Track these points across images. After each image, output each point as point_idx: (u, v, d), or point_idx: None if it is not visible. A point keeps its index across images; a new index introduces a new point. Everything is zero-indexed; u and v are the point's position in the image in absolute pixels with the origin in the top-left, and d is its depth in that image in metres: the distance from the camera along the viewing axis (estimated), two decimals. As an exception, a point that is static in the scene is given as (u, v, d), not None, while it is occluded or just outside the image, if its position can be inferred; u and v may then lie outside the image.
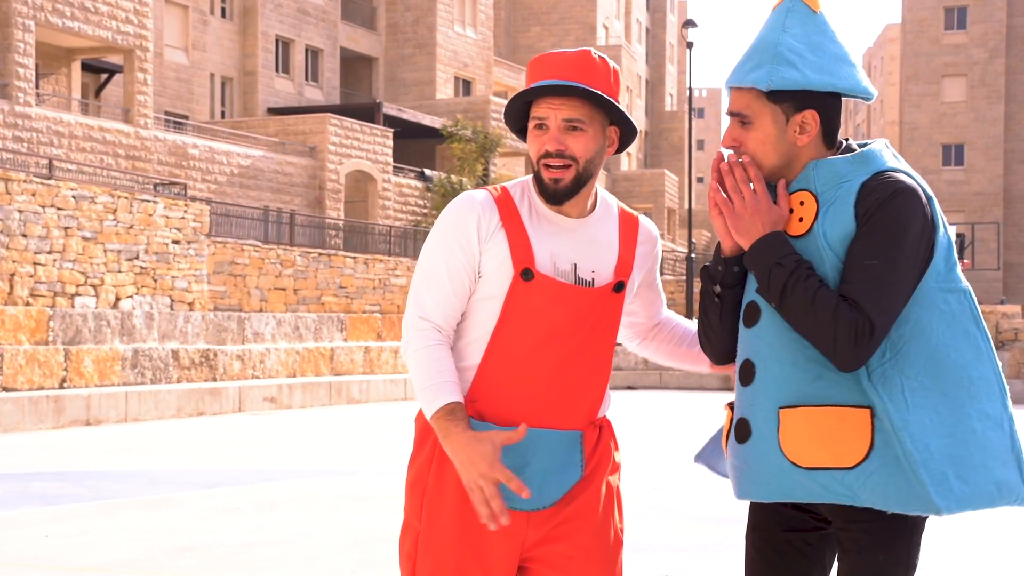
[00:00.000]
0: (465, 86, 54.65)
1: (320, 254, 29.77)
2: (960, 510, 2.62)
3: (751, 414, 2.77)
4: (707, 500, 9.33)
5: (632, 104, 72.42)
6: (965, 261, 48.05)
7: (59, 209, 21.25)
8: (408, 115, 45.08)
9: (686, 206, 67.63)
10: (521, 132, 2.91)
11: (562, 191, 2.80)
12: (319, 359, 21.17)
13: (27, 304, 20.32)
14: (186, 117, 40.75)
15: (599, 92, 2.77)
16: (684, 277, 37.90)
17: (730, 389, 23.79)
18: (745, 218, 2.75)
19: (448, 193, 42.56)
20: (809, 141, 2.75)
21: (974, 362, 2.69)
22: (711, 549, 7.34)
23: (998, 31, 70.62)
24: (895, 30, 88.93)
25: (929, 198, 2.70)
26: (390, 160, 41.42)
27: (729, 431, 2.86)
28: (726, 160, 2.81)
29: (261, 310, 27.38)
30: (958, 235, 44.17)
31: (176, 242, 23.88)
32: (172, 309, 23.29)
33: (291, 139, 39.11)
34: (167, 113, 39.92)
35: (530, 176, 2.90)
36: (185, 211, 24.30)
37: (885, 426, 2.62)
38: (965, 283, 2.74)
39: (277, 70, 46.42)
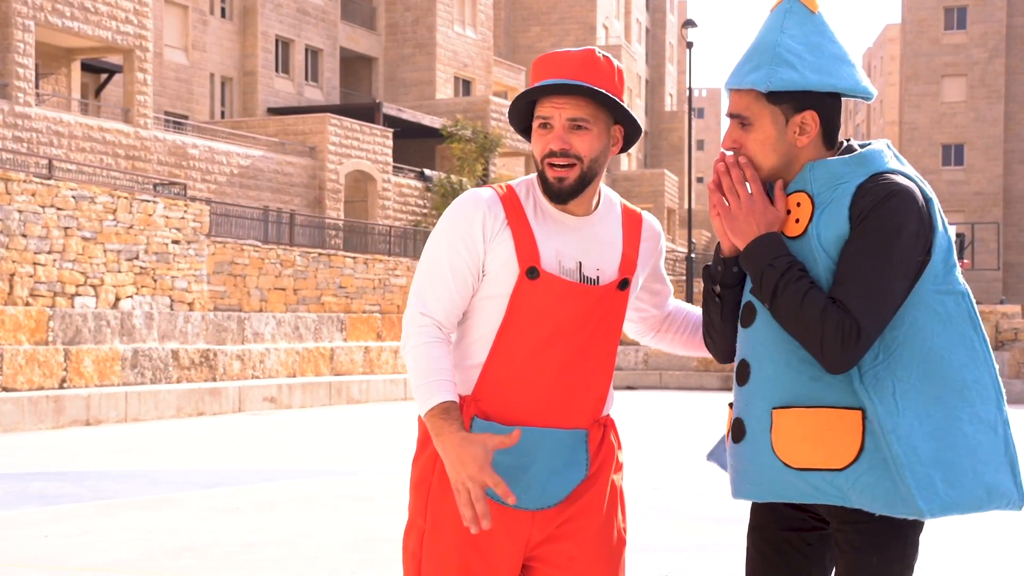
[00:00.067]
0: (465, 86, 54.64)
1: (320, 254, 29.77)
2: (945, 514, 2.61)
3: (746, 414, 2.77)
4: (707, 500, 9.33)
5: (632, 104, 72.40)
6: (965, 261, 48.05)
7: (59, 209, 21.25)
8: (408, 115, 45.07)
9: (686, 206, 67.63)
10: (525, 131, 2.91)
11: (566, 190, 2.79)
12: (319, 359, 21.17)
13: (27, 304, 20.32)
14: (186, 117, 40.75)
15: (603, 91, 2.77)
16: (684, 277, 37.90)
17: (730, 389, 23.80)
18: (740, 219, 2.75)
19: (448, 193, 42.55)
20: (809, 142, 2.75)
21: (969, 365, 2.68)
22: (711, 549, 7.35)
23: (998, 31, 70.61)
24: (895, 30, 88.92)
25: (928, 200, 2.69)
26: (390, 160, 41.42)
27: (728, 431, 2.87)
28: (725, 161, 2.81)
29: (261, 310, 27.38)
30: (958, 235, 44.17)
31: (176, 242, 23.88)
32: (172, 309, 23.29)
33: (291, 139, 39.11)
34: (167, 113, 39.93)
35: (534, 175, 2.90)
36: (185, 211, 24.30)
37: (875, 428, 2.62)
38: (964, 285, 2.73)
39: (277, 70, 46.42)
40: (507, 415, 2.81)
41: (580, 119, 2.78)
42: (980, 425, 2.66)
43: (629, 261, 2.90)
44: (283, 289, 28.51)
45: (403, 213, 42.01)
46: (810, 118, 2.74)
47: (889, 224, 2.61)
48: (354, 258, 30.82)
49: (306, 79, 48.01)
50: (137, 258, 22.90)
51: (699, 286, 37.40)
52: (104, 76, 37.73)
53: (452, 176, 43.50)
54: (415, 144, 47.85)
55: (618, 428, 3.03)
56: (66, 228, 21.36)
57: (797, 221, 2.73)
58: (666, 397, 23.35)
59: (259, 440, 14.29)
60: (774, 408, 2.71)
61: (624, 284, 2.88)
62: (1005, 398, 2.73)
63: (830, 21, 2.81)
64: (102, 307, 21.73)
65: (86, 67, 36.59)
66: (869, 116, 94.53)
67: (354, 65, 52.49)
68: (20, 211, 20.48)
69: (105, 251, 22.13)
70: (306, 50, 47.87)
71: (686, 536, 7.77)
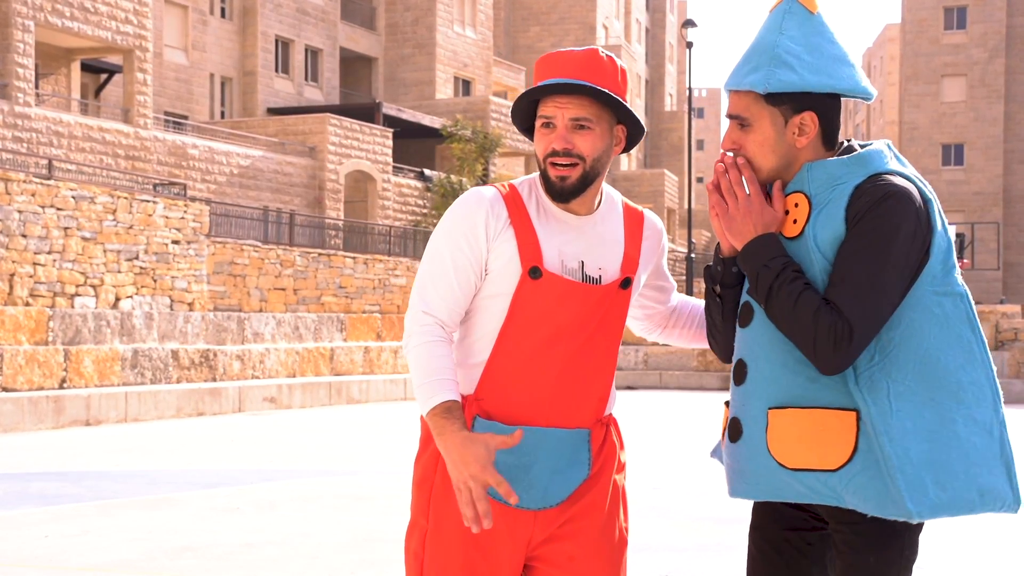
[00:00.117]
0: (465, 86, 54.64)
1: (320, 254, 29.77)
2: (935, 516, 2.60)
3: (743, 414, 2.78)
4: (707, 500, 9.33)
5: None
6: (965, 261, 48.05)
7: (59, 209, 21.26)
8: (408, 115, 45.07)
9: (686, 206, 67.60)
10: (528, 131, 2.91)
11: (569, 189, 2.79)
12: (319, 359, 21.17)
13: (27, 304, 20.32)
14: (186, 117, 40.74)
15: (607, 91, 2.76)
16: (684, 277, 37.89)
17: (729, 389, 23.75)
18: (738, 219, 2.76)
19: (448, 193, 42.55)
20: (808, 143, 2.75)
21: (965, 367, 2.67)
22: (711, 549, 7.35)
23: (998, 31, 70.61)
24: (895, 30, 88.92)
25: (927, 201, 2.69)
26: (390, 160, 41.42)
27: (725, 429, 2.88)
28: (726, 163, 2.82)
29: (261, 310, 27.38)
30: (958, 235, 44.17)
31: (176, 242, 23.88)
32: (172, 309, 23.30)
33: (291, 139, 39.11)
34: (167, 113, 39.92)
35: (536, 174, 2.89)
36: (185, 211, 24.30)
37: (868, 429, 2.62)
38: (962, 286, 2.72)
39: (277, 70, 46.42)
40: (509, 415, 2.81)
41: (583, 119, 2.77)
42: (974, 427, 2.65)
43: (631, 260, 2.90)
44: (283, 289, 28.51)
45: (403, 213, 42.01)
46: (809, 119, 2.74)
47: (885, 225, 2.61)
48: (354, 258, 30.82)
49: (306, 79, 48.01)
50: (137, 258, 22.90)
51: (699, 286, 37.41)
52: (104, 76, 37.72)
53: (452, 176, 43.49)
54: (415, 144, 47.85)
55: (620, 427, 3.03)
56: (66, 228, 21.36)
57: (795, 222, 2.73)
58: (666, 397, 23.35)
59: (259, 440, 14.29)
60: (770, 408, 2.71)
61: (626, 283, 2.88)
62: (1002, 400, 2.73)
63: (829, 21, 2.81)
64: (102, 307, 21.73)
65: (86, 67, 36.58)
66: (869, 116, 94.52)
67: (354, 65, 52.48)
68: (20, 211, 20.48)
69: (105, 251, 22.13)
70: (306, 50, 47.87)
71: (686, 536, 7.78)
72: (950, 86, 71.49)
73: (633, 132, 2.87)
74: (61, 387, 15.97)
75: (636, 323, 3.15)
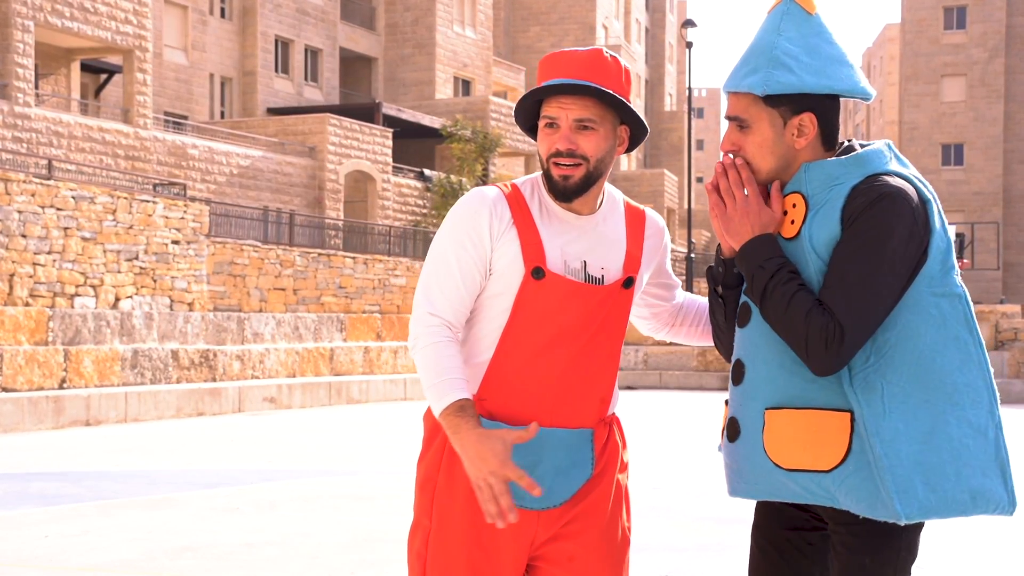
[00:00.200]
0: (464, 86, 54.64)
1: (320, 254, 29.77)
2: (925, 518, 2.60)
3: (740, 414, 2.78)
4: (707, 500, 9.33)
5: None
6: (965, 261, 48.04)
7: (58, 209, 21.26)
8: (407, 115, 45.07)
9: (686, 206, 67.60)
10: (531, 130, 2.90)
11: (571, 188, 2.79)
12: (319, 359, 21.17)
13: (27, 304, 20.32)
14: (185, 117, 40.74)
15: (611, 92, 2.76)
16: (684, 277, 37.90)
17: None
18: (735, 220, 2.76)
19: (448, 193, 42.55)
20: (807, 144, 2.75)
21: (961, 368, 2.66)
22: (711, 549, 7.35)
23: (998, 31, 70.61)
24: (894, 30, 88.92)
25: (925, 201, 2.68)
26: (389, 160, 41.41)
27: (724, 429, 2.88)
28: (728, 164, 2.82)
29: (261, 310, 27.38)
30: (957, 235, 44.15)
31: (176, 242, 23.88)
32: (172, 309, 23.30)
33: (290, 139, 39.10)
34: (166, 113, 39.92)
35: (538, 173, 2.89)
36: (184, 211, 24.30)
37: (861, 430, 2.62)
38: (961, 287, 2.71)
39: (276, 70, 46.42)
40: (512, 414, 2.80)
41: (587, 119, 2.77)
42: (968, 429, 2.64)
43: (633, 259, 2.90)
44: (283, 289, 28.51)
45: (403, 213, 42.00)
46: (808, 120, 2.73)
47: (879, 226, 2.60)
48: (354, 258, 30.82)
49: (306, 79, 48.01)
50: (137, 258, 22.90)
51: (699, 286, 37.42)
52: (104, 76, 37.72)
53: (452, 176, 43.49)
54: (415, 144, 47.85)
55: (623, 426, 3.03)
56: (66, 228, 21.36)
57: (792, 222, 2.73)
58: (666, 397, 23.35)
59: (259, 440, 14.29)
60: (766, 408, 2.72)
61: (629, 283, 2.88)
62: (999, 402, 2.72)
63: (828, 22, 2.81)
64: (102, 307, 21.73)
65: (86, 67, 36.58)
66: (869, 116, 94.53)
67: (354, 65, 52.48)
68: (20, 211, 20.48)
69: (105, 251, 22.13)
70: (306, 50, 47.86)
71: (686, 536, 7.78)
72: (950, 86, 71.48)
73: (636, 132, 2.87)
74: (61, 387, 15.97)
75: (642, 322, 3.15)
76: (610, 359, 2.88)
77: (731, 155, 2.79)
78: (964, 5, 71.12)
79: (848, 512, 2.69)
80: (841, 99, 2.79)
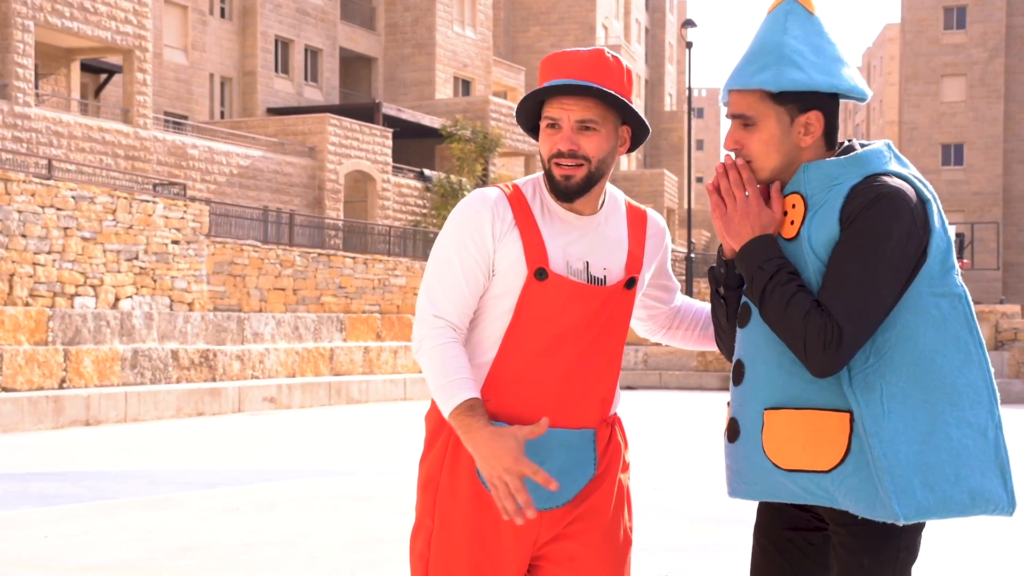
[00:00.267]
0: (464, 86, 54.64)
1: (319, 254, 29.77)
2: (923, 518, 2.59)
3: (740, 414, 2.78)
4: (707, 500, 9.33)
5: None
6: (965, 261, 48.05)
7: (58, 209, 21.25)
8: (407, 115, 45.07)
9: (685, 206, 67.57)
10: (533, 130, 2.90)
11: (573, 188, 2.79)
12: (318, 359, 21.17)
13: (26, 304, 20.32)
14: (185, 117, 40.74)
15: (613, 92, 2.76)
16: (684, 277, 37.90)
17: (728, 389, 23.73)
18: (736, 221, 2.75)
19: (448, 193, 42.55)
20: (812, 142, 2.75)
21: (961, 368, 2.65)
22: (711, 549, 7.35)
23: (998, 31, 70.62)
24: (894, 30, 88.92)
25: (925, 201, 2.67)
26: (389, 160, 41.42)
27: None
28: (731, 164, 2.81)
29: (260, 310, 27.38)
30: (957, 235, 44.17)
31: (175, 242, 23.88)
32: (171, 309, 23.29)
33: (290, 139, 39.10)
34: (166, 113, 39.92)
35: (540, 173, 2.89)
36: (184, 211, 24.30)
37: (860, 431, 2.61)
38: (961, 287, 2.70)
39: (276, 70, 46.41)
40: (515, 415, 2.80)
41: (589, 120, 2.77)
42: (967, 429, 2.63)
43: (635, 259, 2.90)
44: (283, 289, 28.51)
45: (403, 213, 42.00)
46: (815, 118, 2.73)
47: (877, 227, 2.60)
48: (354, 258, 30.82)
49: (306, 79, 48.01)
50: (137, 258, 22.90)
51: (699, 286, 37.41)
52: (104, 76, 37.72)
53: (452, 176, 43.50)
54: (415, 144, 47.85)
55: (624, 426, 3.03)
56: (66, 228, 21.36)
57: (792, 223, 2.73)
58: (666, 397, 23.35)
59: (259, 440, 14.29)
60: (766, 409, 2.71)
61: (631, 283, 2.87)
62: (999, 402, 2.71)
63: (826, 22, 2.82)
64: (102, 307, 21.73)
65: (86, 67, 36.58)
66: (869, 116, 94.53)
67: (354, 65, 52.48)
68: (20, 211, 20.48)
69: (105, 251, 22.13)
70: (306, 50, 47.86)
71: (686, 536, 7.78)
72: (950, 86, 71.49)
73: (638, 133, 2.87)
74: (61, 387, 15.97)
75: (639, 324, 3.14)
76: (612, 360, 2.88)
77: (733, 154, 2.79)
78: (964, 5, 71.12)
79: (847, 512, 2.69)
80: (840, 99, 2.79)
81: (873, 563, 2.68)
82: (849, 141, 2.81)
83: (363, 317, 23.44)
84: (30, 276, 20.64)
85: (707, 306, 3.15)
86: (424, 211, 42.94)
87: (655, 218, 3.00)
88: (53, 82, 34.73)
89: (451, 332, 2.78)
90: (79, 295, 21.50)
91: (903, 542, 2.69)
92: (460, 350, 2.77)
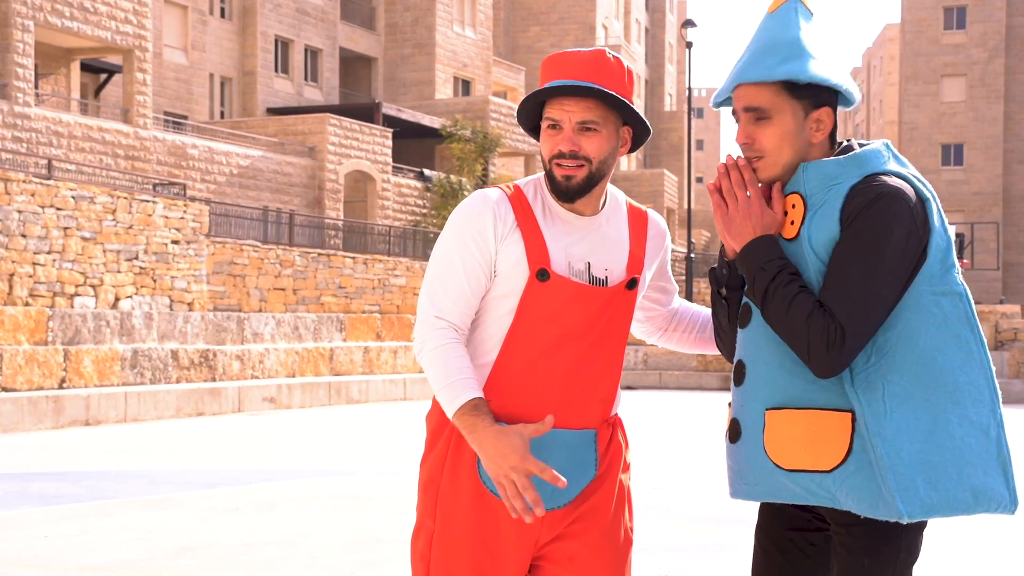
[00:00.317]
0: (464, 86, 54.64)
1: (319, 254, 29.77)
2: (926, 516, 2.59)
3: (742, 415, 2.78)
4: (707, 500, 9.33)
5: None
6: (964, 261, 48.05)
7: (58, 209, 21.25)
8: (407, 115, 45.07)
9: (685, 206, 67.57)
10: (534, 131, 2.90)
11: (575, 189, 2.78)
12: (318, 359, 21.17)
13: (26, 304, 20.32)
14: (185, 117, 40.74)
15: (614, 93, 2.76)
16: (684, 277, 37.89)
17: (729, 388, 23.75)
18: (737, 221, 2.75)
19: (447, 193, 42.55)
20: (822, 139, 2.75)
21: (962, 367, 2.65)
22: (711, 549, 7.35)
23: (997, 31, 70.61)
24: (894, 30, 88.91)
25: (925, 200, 2.67)
26: (389, 160, 41.41)
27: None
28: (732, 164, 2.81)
29: (260, 310, 27.38)
30: (957, 235, 44.16)
31: (175, 242, 23.88)
32: (171, 309, 23.29)
33: (290, 139, 39.10)
34: (166, 113, 39.92)
35: (541, 174, 2.89)
36: (184, 211, 24.30)
37: (862, 430, 2.61)
38: (962, 285, 2.70)
39: (276, 70, 46.42)
40: (516, 416, 2.80)
41: (590, 121, 2.77)
42: (970, 427, 2.63)
43: (636, 260, 2.90)
44: (282, 289, 28.51)
45: (403, 213, 42.00)
46: (825, 115, 2.74)
47: (877, 227, 2.60)
48: (353, 258, 30.82)
49: (305, 79, 48.01)
50: (136, 258, 22.90)
51: (699, 286, 37.40)
52: (104, 76, 37.72)
53: (452, 176, 43.49)
54: (415, 144, 47.84)
55: (625, 427, 3.03)
56: (65, 228, 21.36)
57: (792, 223, 2.73)
58: (665, 397, 23.35)
59: (259, 440, 14.29)
60: (767, 409, 2.71)
61: (632, 283, 2.87)
62: (1001, 400, 2.71)
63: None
64: (101, 307, 21.73)
65: (85, 67, 36.58)
66: (869, 116, 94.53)
67: (354, 65, 52.48)
68: (20, 211, 20.48)
69: (104, 251, 22.13)
70: (305, 50, 47.86)
71: (686, 536, 7.77)
72: (950, 86, 71.48)
73: (639, 133, 2.87)
74: (61, 387, 15.97)
75: (637, 325, 3.14)
76: (614, 360, 2.88)
77: (741, 151, 2.79)
78: (964, 5, 71.12)
79: (848, 512, 2.69)
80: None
81: (873, 563, 2.68)
82: (848, 141, 2.82)
83: (363, 317, 23.44)
84: (30, 276, 20.64)
85: (704, 309, 3.16)
86: (424, 211, 42.94)
87: (656, 219, 3.00)
88: (53, 82, 34.73)
89: (453, 333, 2.78)
90: (79, 295, 21.50)
91: (904, 542, 2.69)
92: (462, 350, 2.76)
